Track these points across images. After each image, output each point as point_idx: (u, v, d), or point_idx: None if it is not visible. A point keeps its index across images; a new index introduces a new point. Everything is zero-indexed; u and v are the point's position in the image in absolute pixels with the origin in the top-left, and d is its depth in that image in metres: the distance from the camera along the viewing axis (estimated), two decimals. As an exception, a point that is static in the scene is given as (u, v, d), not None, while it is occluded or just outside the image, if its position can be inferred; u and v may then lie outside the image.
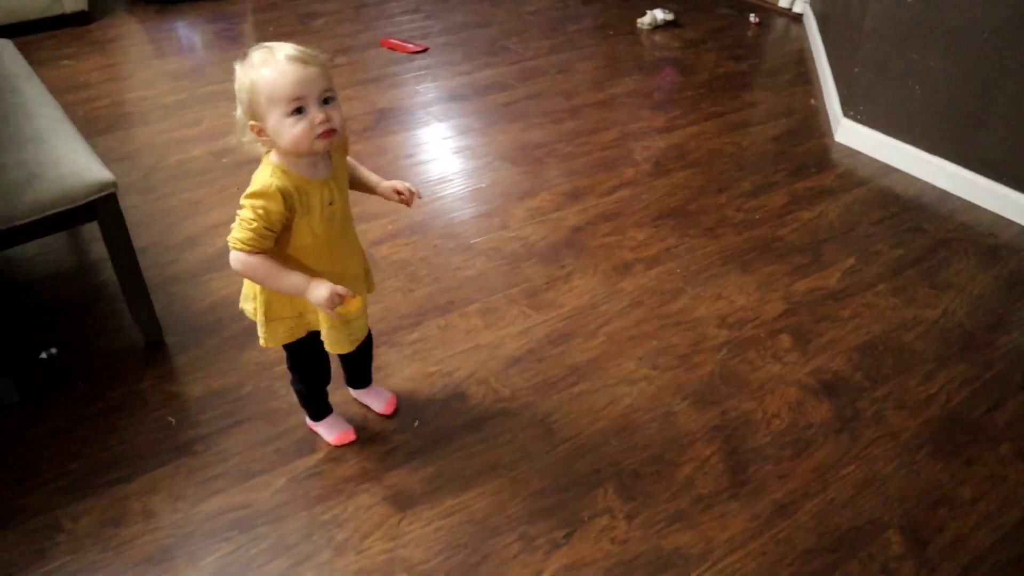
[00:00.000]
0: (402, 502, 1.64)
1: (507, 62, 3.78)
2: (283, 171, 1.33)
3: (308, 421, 1.80)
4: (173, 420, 1.82)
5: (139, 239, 2.04)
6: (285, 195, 1.32)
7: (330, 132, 1.29)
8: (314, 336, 1.56)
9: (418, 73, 3.67)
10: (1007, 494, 1.69)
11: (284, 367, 1.95)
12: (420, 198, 1.59)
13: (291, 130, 1.27)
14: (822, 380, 1.96)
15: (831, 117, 3.22)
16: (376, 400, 1.86)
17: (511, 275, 2.31)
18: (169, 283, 2.25)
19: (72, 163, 1.80)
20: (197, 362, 1.98)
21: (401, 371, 1.97)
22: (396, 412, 1.84)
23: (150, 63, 3.77)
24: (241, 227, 1.32)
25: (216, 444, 1.76)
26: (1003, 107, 2.53)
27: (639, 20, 4.21)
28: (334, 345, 1.55)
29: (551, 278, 2.30)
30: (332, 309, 1.36)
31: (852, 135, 3.03)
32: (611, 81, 3.59)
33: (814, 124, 3.23)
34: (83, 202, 1.76)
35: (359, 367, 1.82)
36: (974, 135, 2.64)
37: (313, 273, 1.38)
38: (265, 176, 1.32)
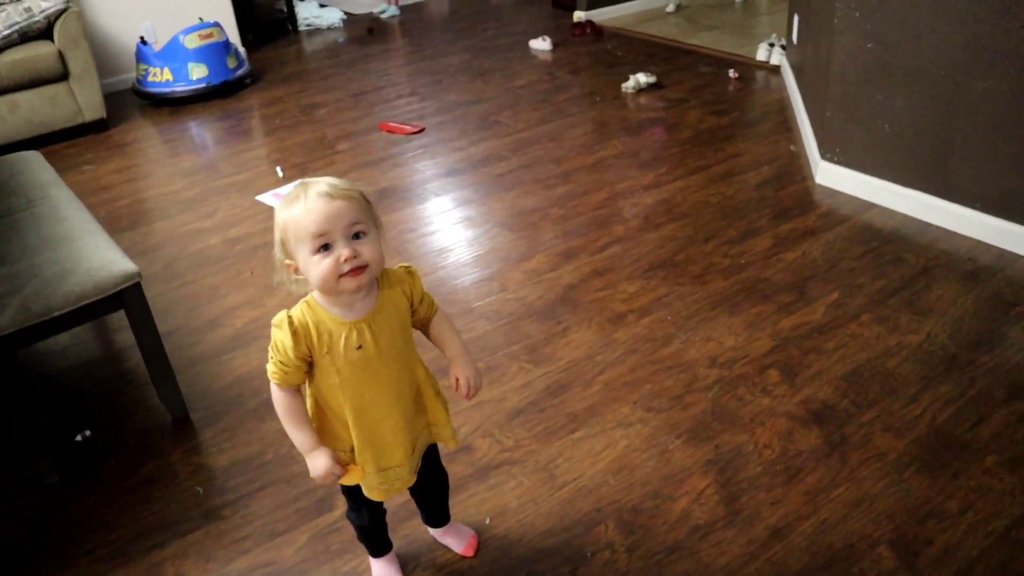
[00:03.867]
0: (415, 550, 1.74)
1: (500, 135, 3.99)
2: (309, 304, 1.30)
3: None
4: (201, 489, 1.95)
5: (164, 324, 2.21)
6: (297, 329, 1.27)
7: (358, 270, 1.21)
8: None
9: (416, 152, 3.88)
10: (994, 503, 1.77)
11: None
12: (469, 399, 1.51)
13: (317, 268, 1.21)
14: (810, 409, 2.06)
15: (810, 161, 3.37)
16: (455, 539, 1.73)
17: (511, 334, 2.44)
18: (193, 363, 2.40)
19: (100, 258, 1.98)
20: (222, 435, 2.12)
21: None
22: (478, 552, 1.74)
23: (166, 162, 4.01)
24: (270, 358, 1.30)
25: (242, 508, 1.88)
26: (966, 137, 2.68)
27: (623, 85, 4.43)
28: (367, 488, 1.45)
29: (549, 334, 2.43)
30: (327, 483, 1.35)
31: (831, 176, 3.17)
32: (599, 145, 3.78)
33: (795, 169, 3.38)
34: (111, 292, 1.93)
35: (429, 507, 1.71)
36: (944, 166, 2.78)
37: (341, 421, 1.36)
38: (294, 308, 1.30)
